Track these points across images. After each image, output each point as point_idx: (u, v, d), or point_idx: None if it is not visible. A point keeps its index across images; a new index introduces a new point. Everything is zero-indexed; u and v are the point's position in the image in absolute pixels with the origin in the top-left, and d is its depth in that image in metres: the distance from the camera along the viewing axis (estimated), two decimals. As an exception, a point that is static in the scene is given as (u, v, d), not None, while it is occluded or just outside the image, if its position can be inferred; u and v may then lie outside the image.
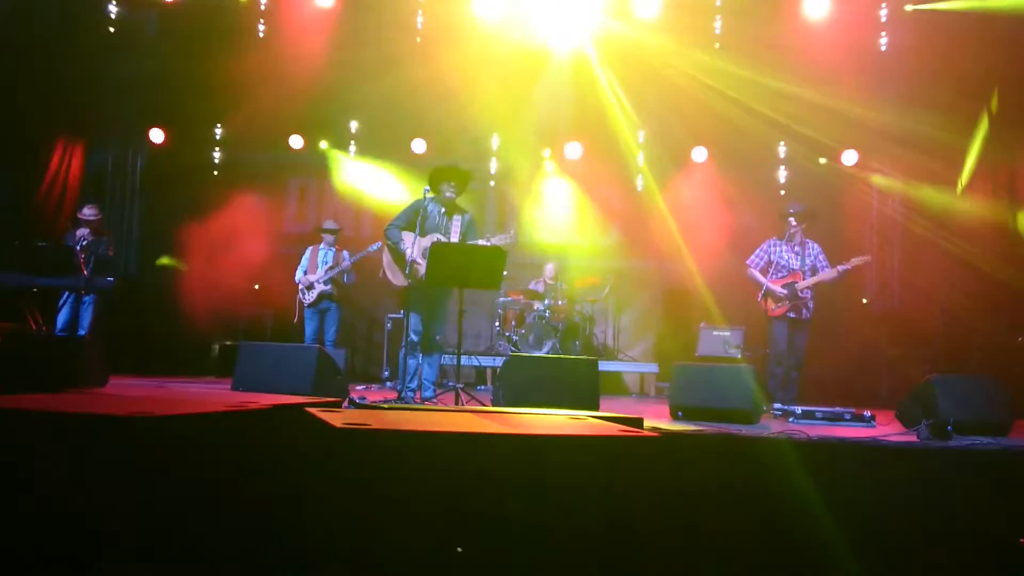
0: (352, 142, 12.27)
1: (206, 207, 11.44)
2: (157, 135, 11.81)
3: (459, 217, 6.90)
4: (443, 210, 6.86)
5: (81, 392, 5.07)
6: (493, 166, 12.32)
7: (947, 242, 9.94)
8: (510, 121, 11.99)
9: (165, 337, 10.92)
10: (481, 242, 6.64)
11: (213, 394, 6.31)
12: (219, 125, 12.25)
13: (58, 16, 9.92)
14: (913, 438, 5.25)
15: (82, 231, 9.06)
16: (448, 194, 6.83)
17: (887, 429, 5.85)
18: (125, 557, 2.24)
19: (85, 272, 8.66)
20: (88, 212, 9.21)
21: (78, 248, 8.81)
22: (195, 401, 3.19)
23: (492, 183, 12.32)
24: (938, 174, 10.33)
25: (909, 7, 9.52)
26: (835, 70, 9.71)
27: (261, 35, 10.41)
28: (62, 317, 8.93)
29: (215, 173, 12.29)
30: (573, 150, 11.91)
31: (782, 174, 12.13)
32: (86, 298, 9.00)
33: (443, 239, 6.70)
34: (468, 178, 7.04)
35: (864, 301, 11.43)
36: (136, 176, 12.20)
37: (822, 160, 11.86)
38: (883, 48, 9.81)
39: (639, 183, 12.36)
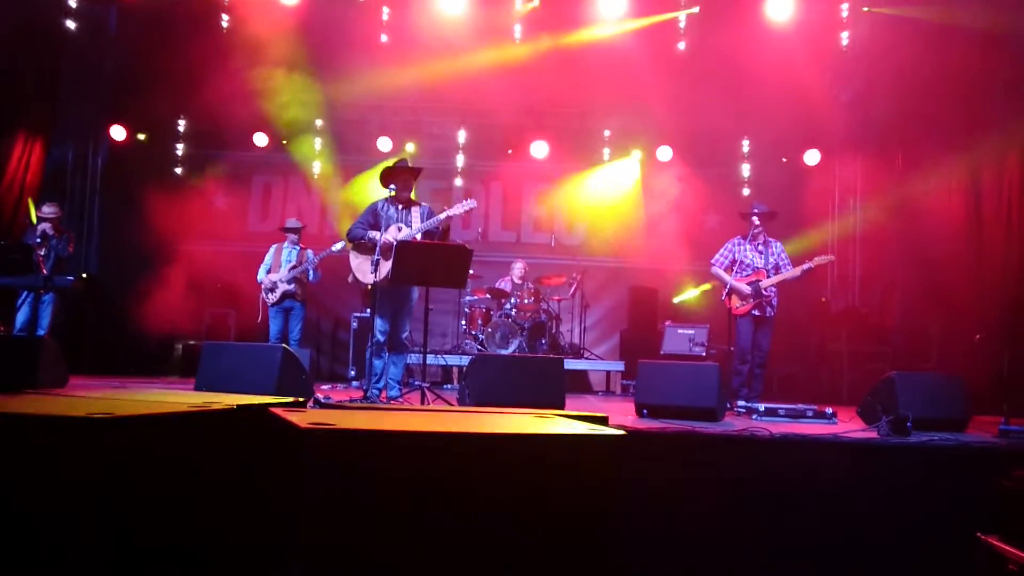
0: (317, 139, 12.18)
1: (168, 205, 11.30)
2: (118, 132, 11.64)
3: (417, 208, 6.95)
4: (399, 207, 6.90)
5: (40, 393, 4.99)
6: (459, 163, 12.29)
7: (906, 242, 10.09)
8: (477, 119, 12.01)
9: (127, 337, 10.79)
10: (441, 216, 6.70)
11: (176, 394, 6.24)
12: (181, 122, 12.09)
13: (17, 12, 9.73)
14: (874, 434, 5.33)
15: (42, 227, 8.90)
16: (401, 192, 6.88)
17: (848, 426, 5.93)
18: (85, 560, 2.20)
19: (44, 271, 8.52)
20: (48, 210, 9.06)
21: (37, 242, 8.68)
22: (157, 402, 3.15)
23: (458, 182, 12.29)
24: (898, 174, 10.49)
25: (866, 8, 9.65)
26: (798, 71, 9.82)
27: (224, 31, 10.28)
28: (21, 316, 8.78)
29: (177, 171, 12.14)
30: (539, 148, 11.94)
31: (746, 173, 12.26)
32: (45, 297, 8.85)
33: (406, 228, 6.73)
34: (416, 173, 7.11)
35: (823, 300, 11.58)
36: (97, 174, 12.02)
37: (784, 160, 12.01)
38: (844, 49, 9.94)
39: (605, 181, 12.43)
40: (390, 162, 7.28)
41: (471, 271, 7.79)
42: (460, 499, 2.18)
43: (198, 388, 6.02)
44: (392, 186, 6.86)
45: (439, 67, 10.34)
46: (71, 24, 10.21)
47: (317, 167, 12.26)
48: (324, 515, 2.09)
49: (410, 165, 7.17)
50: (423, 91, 11.12)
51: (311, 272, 9.07)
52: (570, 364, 9.61)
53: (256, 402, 3.46)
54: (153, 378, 9.40)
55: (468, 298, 10.63)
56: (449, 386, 10.29)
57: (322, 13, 10.19)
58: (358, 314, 10.20)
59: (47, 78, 10.72)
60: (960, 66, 8.55)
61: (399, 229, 6.74)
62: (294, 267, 9.05)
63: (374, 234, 6.75)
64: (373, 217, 6.89)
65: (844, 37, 9.91)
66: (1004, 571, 3.10)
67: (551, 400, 5.84)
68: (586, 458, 2.37)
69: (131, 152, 11.81)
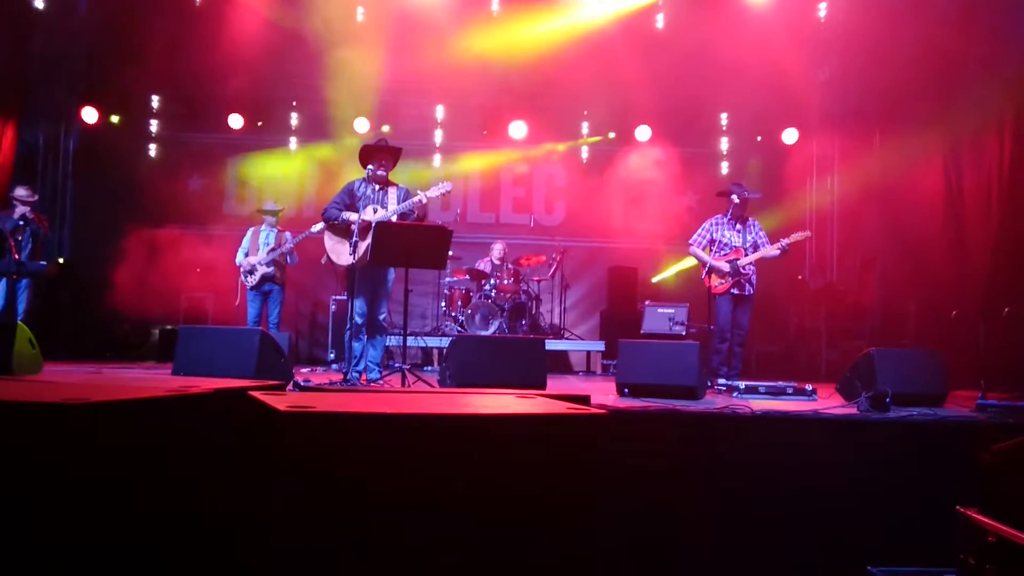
0: (293, 121, 12.05)
1: (142, 188, 11.17)
2: (90, 114, 11.46)
3: (393, 189, 6.90)
4: (376, 187, 6.86)
5: (13, 379, 4.93)
6: (437, 145, 12.20)
7: (883, 219, 10.15)
8: (454, 100, 11.92)
9: (102, 322, 10.68)
10: (416, 200, 6.66)
11: (152, 379, 6.19)
12: (155, 104, 11.91)
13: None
14: (853, 410, 5.36)
15: (20, 211, 8.73)
16: (379, 172, 6.83)
17: (828, 402, 5.96)
18: (59, 550, 2.17)
19: (18, 256, 8.40)
20: (23, 193, 8.88)
21: (20, 225, 8.53)
22: (133, 386, 3.11)
23: (436, 163, 12.22)
24: (875, 151, 10.53)
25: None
26: (775, 49, 9.82)
27: (197, 11, 10.13)
28: (-4, 302, 8.67)
29: (151, 153, 11.97)
30: (518, 129, 11.88)
31: (724, 152, 12.29)
32: (21, 282, 8.73)
33: (382, 210, 6.69)
34: (396, 153, 7.05)
35: (801, 277, 11.64)
36: (69, 156, 11.84)
37: (759, 138, 12.05)
38: (821, 26, 9.96)
39: (584, 161, 12.41)
40: (370, 140, 7.22)
41: (450, 252, 7.78)
42: (442, 481, 2.16)
43: (175, 373, 5.97)
44: (371, 166, 6.82)
45: (416, 47, 10.25)
46: (40, 3, 10.01)
47: (293, 148, 12.14)
48: (304, 498, 2.07)
49: (390, 144, 7.11)
50: (400, 72, 11.01)
51: (289, 255, 9.02)
52: (551, 344, 9.61)
53: (235, 386, 3.42)
54: (130, 363, 9.32)
55: (448, 279, 10.61)
56: (429, 368, 10.28)
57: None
58: (337, 296, 10.15)
59: (16, 59, 10.52)
60: (936, 43, 8.56)
61: (375, 211, 6.70)
62: (273, 250, 8.98)
63: (348, 215, 6.72)
64: (349, 197, 6.85)
65: (821, 14, 9.92)
66: (984, 543, 3.12)
67: (532, 380, 5.83)
68: (568, 438, 2.36)
69: (104, 134, 11.64)
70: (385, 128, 11.74)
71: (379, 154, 6.90)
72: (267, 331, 6.16)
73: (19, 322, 7.50)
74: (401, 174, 8.77)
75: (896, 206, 9.83)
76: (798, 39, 10.10)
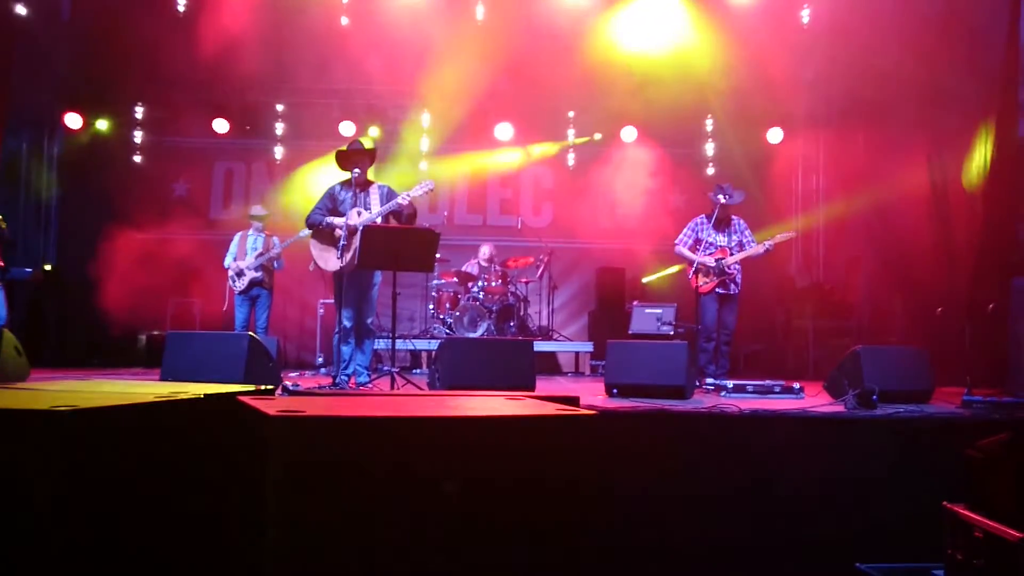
0: (279, 125, 12.02)
1: (128, 194, 11.11)
2: (74, 120, 11.38)
3: (375, 190, 6.85)
4: (357, 189, 6.81)
5: (0, 386, 4.89)
6: (424, 147, 12.19)
7: (868, 217, 10.19)
8: (440, 102, 11.90)
9: (89, 328, 10.62)
10: (400, 199, 6.61)
11: (141, 385, 6.15)
12: (139, 109, 11.84)
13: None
14: (840, 408, 5.39)
15: None
16: (355, 173, 6.78)
17: (816, 400, 5.99)
18: (47, 559, 2.16)
19: (1, 263, 8.34)
20: None
21: None
22: (121, 393, 3.09)
23: (423, 165, 12.20)
24: (860, 150, 10.58)
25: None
26: (760, 49, 9.85)
27: (181, 15, 10.09)
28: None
29: (137, 159, 11.90)
30: (504, 131, 11.87)
31: (710, 152, 12.32)
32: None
33: (366, 212, 6.66)
34: (372, 155, 6.99)
35: (786, 276, 11.69)
36: (53, 162, 11.76)
37: (745, 138, 12.10)
38: (805, 26, 10.00)
39: (570, 163, 12.42)
40: (344, 147, 7.14)
41: (438, 255, 7.76)
42: (432, 483, 2.16)
43: (164, 378, 5.95)
44: (355, 169, 6.78)
45: (402, 49, 10.24)
46: (22, 10, 9.94)
47: (279, 153, 12.10)
48: (295, 503, 2.06)
49: (366, 147, 7.04)
50: (386, 74, 10.99)
51: (276, 260, 8.99)
52: (539, 346, 9.62)
53: (224, 391, 3.41)
54: (117, 369, 9.27)
55: (435, 282, 10.60)
56: (418, 371, 10.26)
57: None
58: (325, 300, 10.12)
59: (-1, 65, 10.46)
60: (920, 41, 8.62)
61: (359, 214, 6.67)
62: (260, 254, 8.95)
63: (333, 219, 6.69)
64: (331, 201, 6.81)
65: (805, 14, 9.96)
66: (971, 538, 3.15)
67: (521, 382, 5.84)
68: (558, 439, 2.36)
69: (88, 140, 11.58)
70: (372, 130, 11.72)
71: (355, 157, 6.84)
72: (255, 336, 6.14)
73: (4, 328, 7.46)
74: (389, 177, 8.76)
75: (881, 204, 9.87)
76: (783, 38, 10.12)
